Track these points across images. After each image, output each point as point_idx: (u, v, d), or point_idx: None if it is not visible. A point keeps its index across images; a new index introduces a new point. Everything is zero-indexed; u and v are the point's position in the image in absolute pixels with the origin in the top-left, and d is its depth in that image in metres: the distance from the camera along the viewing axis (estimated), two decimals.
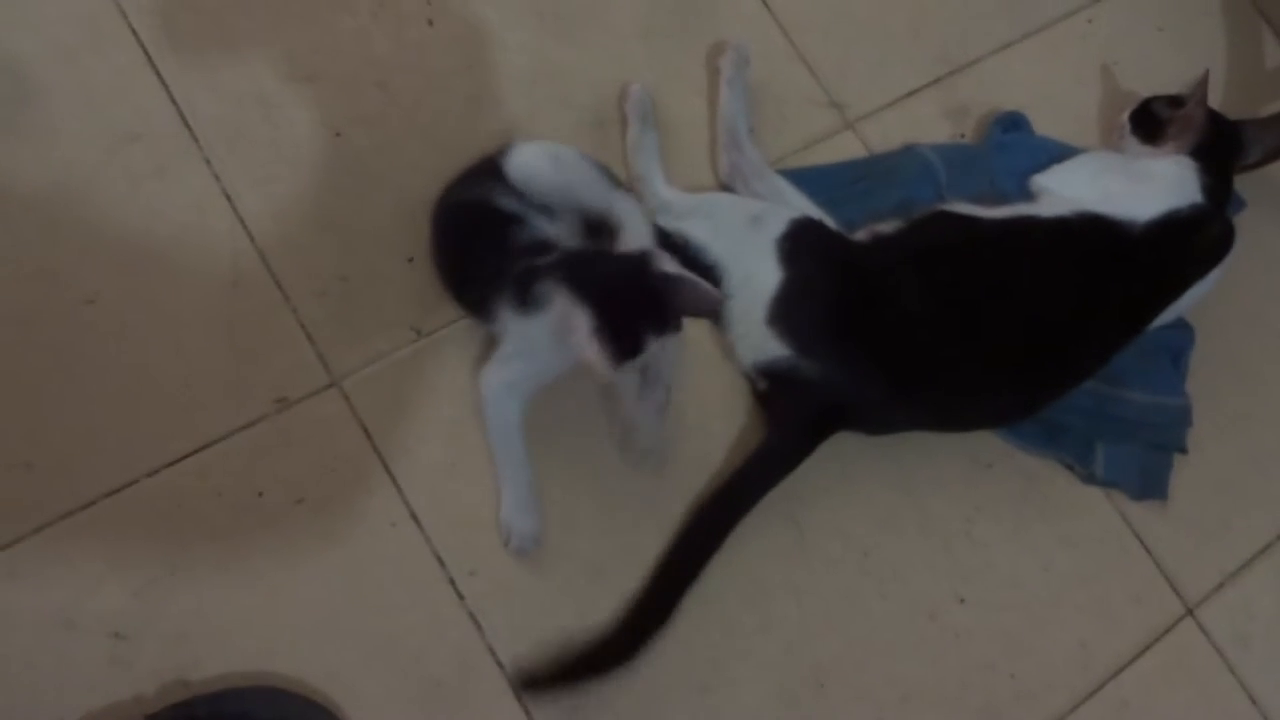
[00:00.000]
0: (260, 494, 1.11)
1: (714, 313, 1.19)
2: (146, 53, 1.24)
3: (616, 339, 1.04)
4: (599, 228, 1.17)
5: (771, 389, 1.22)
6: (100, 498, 1.08)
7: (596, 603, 1.15)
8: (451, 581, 1.13)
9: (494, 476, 1.16)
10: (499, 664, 1.11)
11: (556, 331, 1.07)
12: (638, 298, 1.06)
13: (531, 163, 1.15)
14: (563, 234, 1.14)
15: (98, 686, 1.03)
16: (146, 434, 1.11)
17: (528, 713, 1.10)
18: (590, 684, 1.11)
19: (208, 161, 1.22)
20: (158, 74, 1.24)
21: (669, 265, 1.08)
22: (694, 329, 1.26)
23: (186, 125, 1.23)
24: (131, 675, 1.04)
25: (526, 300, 1.09)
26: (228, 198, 1.21)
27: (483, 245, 1.14)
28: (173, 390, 1.13)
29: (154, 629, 1.06)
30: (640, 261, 1.08)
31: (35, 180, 1.18)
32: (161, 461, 1.11)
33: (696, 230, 1.24)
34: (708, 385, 1.26)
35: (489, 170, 1.16)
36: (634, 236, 1.17)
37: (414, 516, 1.14)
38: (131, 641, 1.05)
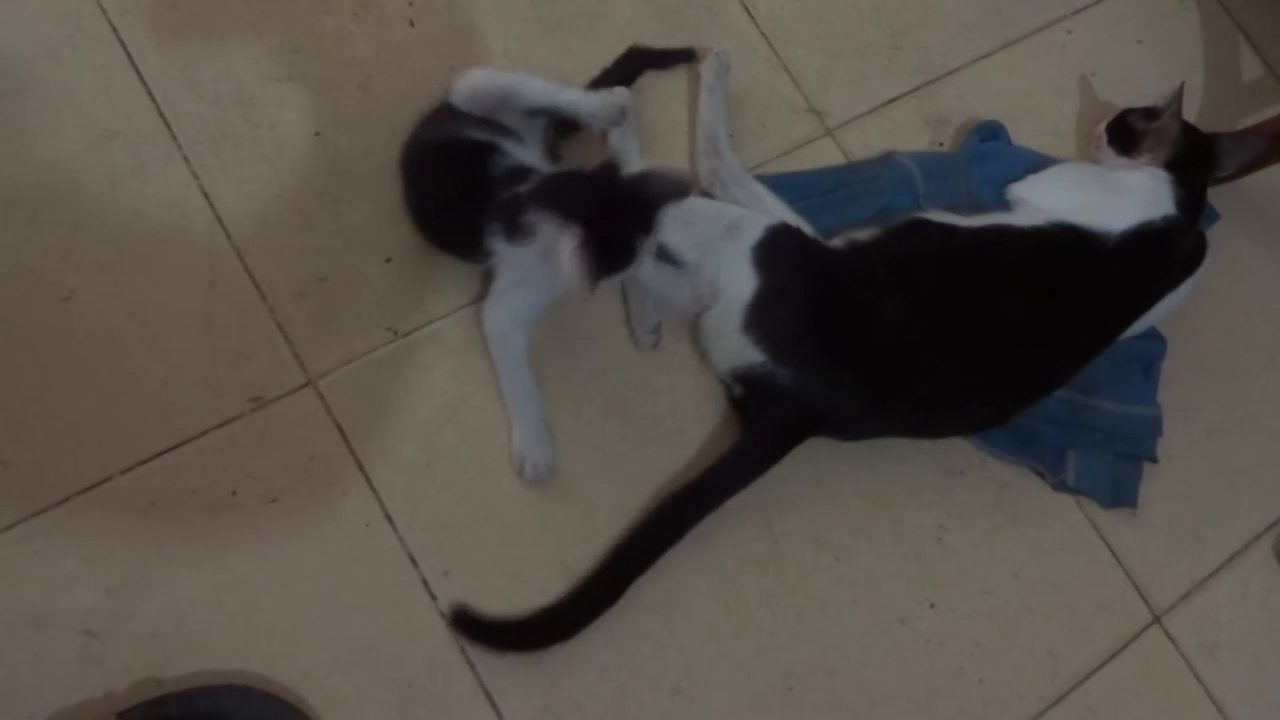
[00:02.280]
0: (234, 493, 1.12)
1: (686, 193, 1.13)
2: (127, 51, 1.24)
3: (601, 255, 1.05)
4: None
5: (747, 394, 1.22)
6: (74, 495, 1.08)
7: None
8: (425, 582, 1.13)
9: (470, 474, 1.18)
10: (471, 665, 1.12)
11: (545, 256, 1.09)
12: (616, 208, 1.08)
13: (468, 81, 1.21)
14: (535, 158, 1.18)
15: (68, 684, 1.03)
16: (121, 431, 1.11)
17: (499, 713, 1.11)
18: (519, 652, 1.13)
19: (187, 160, 1.22)
20: (138, 72, 1.24)
21: (632, 164, 1.13)
22: (673, 336, 1.28)
23: (166, 124, 1.23)
24: (103, 673, 1.04)
25: (516, 230, 1.11)
26: (206, 197, 1.21)
27: (462, 181, 1.16)
28: (149, 388, 1.13)
29: (126, 627, 1.06)
30: (608, 174, 1.11)
31: (14, 177, 1.18)
32: (136, 459, 1.11)
33: (674, 235, 1.25)
34: (683, 390, 1.26)
35: (446, 110, 1.21)
36: (591, 116, 1.24)
37: (388, 517, 1.15)
38: (103, 639, 1.05)
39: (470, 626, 1.12)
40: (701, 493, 1.17)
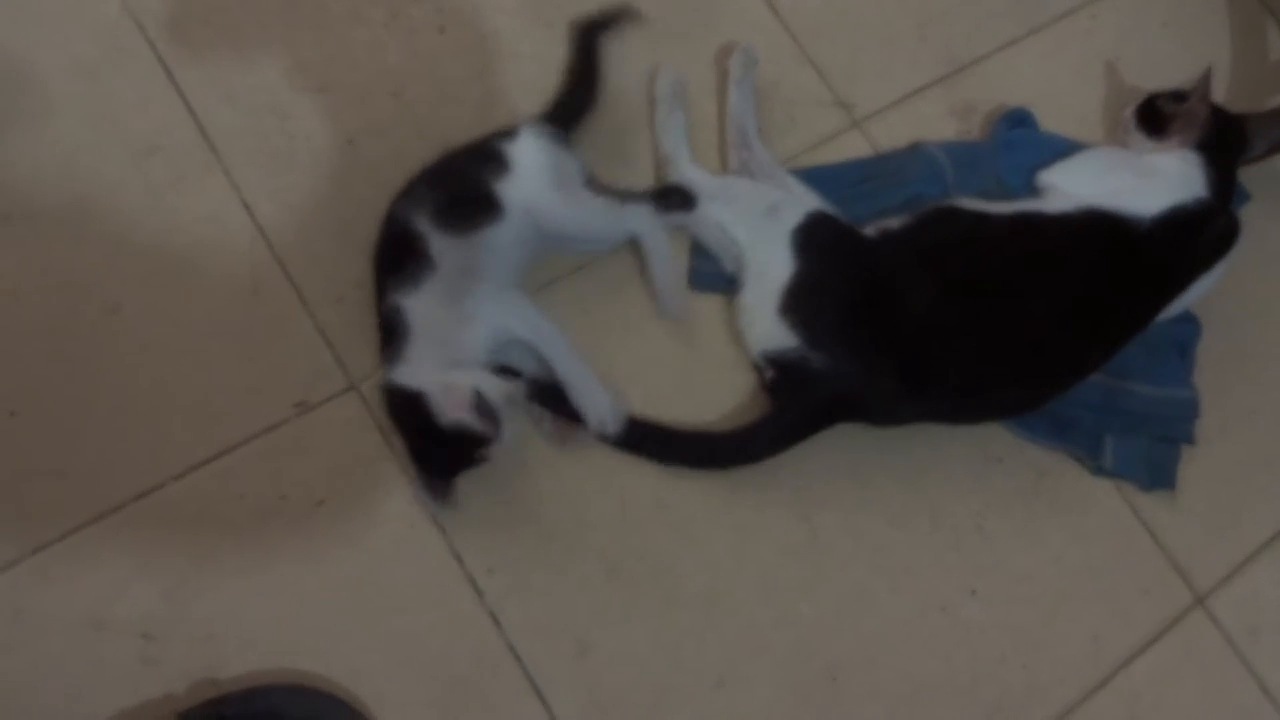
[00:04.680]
0: (283, 496, 1.14)
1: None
2: (164, 66, 1.27)
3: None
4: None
5: (779, 378, 1.23)
6: (128, 502, 1.11)
7: (611, 599, 1.17)
8: (471, 580, 1.15)
9: (510, 472, 1.19)
10: (519, 660, 1.13)
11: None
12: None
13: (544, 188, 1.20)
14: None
15: (129, 686, 1.06)
16: (171, 439, 1.14)
17: (548, 707, 1.13)
18: None
19: (226, 172, 1.25)
20: (176, 87, 1.27)
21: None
22: (709, 331, 1.29)
23: (205, 136, 1.26)
24: (161, 674, 1.06)
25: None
26: (246, 207, 1.24)
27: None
28: (196, 396, 1.16)
29: (182, 629, 1.08)
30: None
31: (59, 193, 1.21)
32: (186, 466, 1.13)
33: (718, 212, 1.27)
34: (721, 384, 1.27)
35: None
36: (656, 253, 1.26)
37: (432, 517, 1.17)
38: (160, 642, 1.08)
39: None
40: (723, 446, 1.20)
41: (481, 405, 1.07)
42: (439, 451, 1.12)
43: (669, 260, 1.27)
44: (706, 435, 1.23)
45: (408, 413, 1.11)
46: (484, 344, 1.14)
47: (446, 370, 1.11)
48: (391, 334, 1.13)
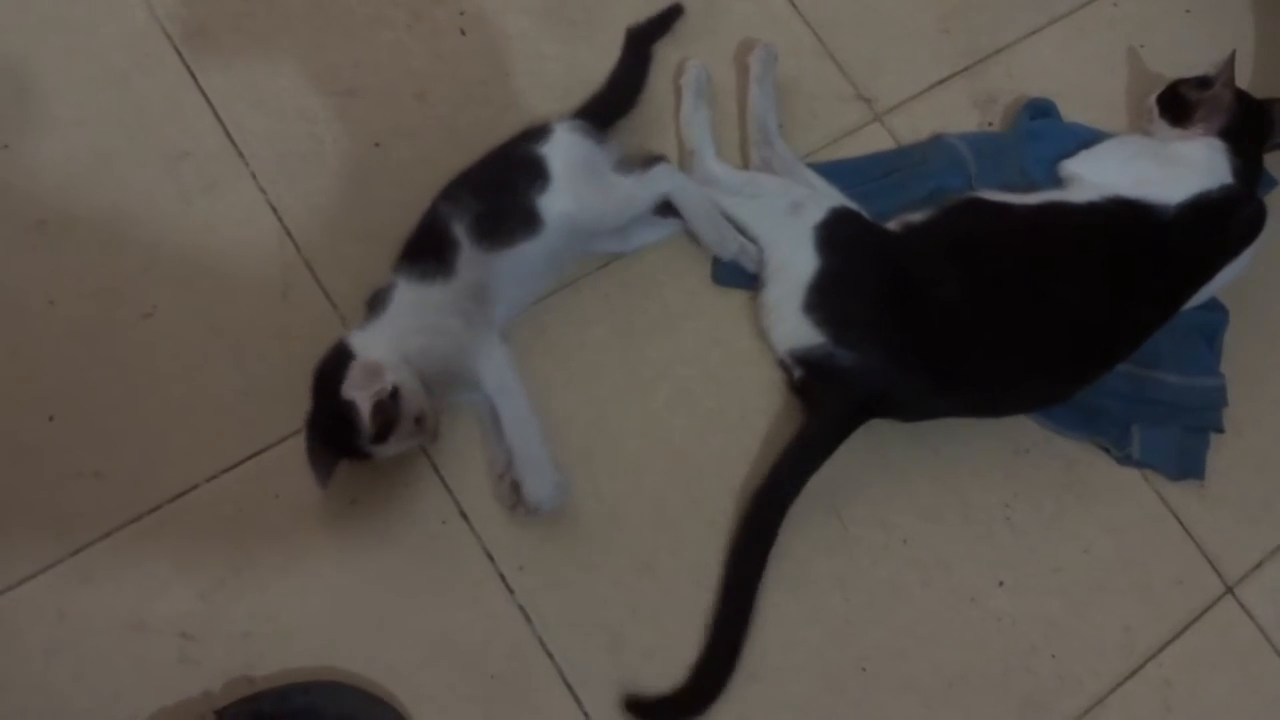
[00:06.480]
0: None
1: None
2: (192, 74, 1.29)
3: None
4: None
5: (807, 377, 1.23)
6: (165, 503, 1.13)
7: (643, 596, 1.18)
8: (502, 577, 1.16)
9: None
10: (550, 656, 1.14)
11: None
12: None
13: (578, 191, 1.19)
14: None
15: (168, 684, 1.07)
16: (207, 441, 1.15)
17: (579, 703, 1.13)
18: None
19: (254, 176, 1.26)
20: (203, 93, 1.29)
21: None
22: (731, 329, 1.29)
23: (233, 142, 1.27)
24: (200, 673, 1.08)
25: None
26: (275, 211, 1.25)
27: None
28: (230, 398, 1.17)
29: (220, 628, 1.10)
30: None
31: (92, 200, 1.23)
32: (221, 467, 1.15)
33: (740, 208, 1.28)
34: (746, 382, 1.28)
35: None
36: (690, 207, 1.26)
37: (463, 514, 1.18)
38: (199, 641, 1.09)
39: (640, 710, 1.13)
40: (778, 486, 1.18)
41: (387, 402, 1.04)
42: (324, 419, 1.08)
43: (705, 203, 1.26)
44: (757, 495, 1.19)
45: (329, 370, 1.08)
46: (440, 362, 1.12)
47: (395, 358, 1.08)
48: (374, 305, 1.14)
